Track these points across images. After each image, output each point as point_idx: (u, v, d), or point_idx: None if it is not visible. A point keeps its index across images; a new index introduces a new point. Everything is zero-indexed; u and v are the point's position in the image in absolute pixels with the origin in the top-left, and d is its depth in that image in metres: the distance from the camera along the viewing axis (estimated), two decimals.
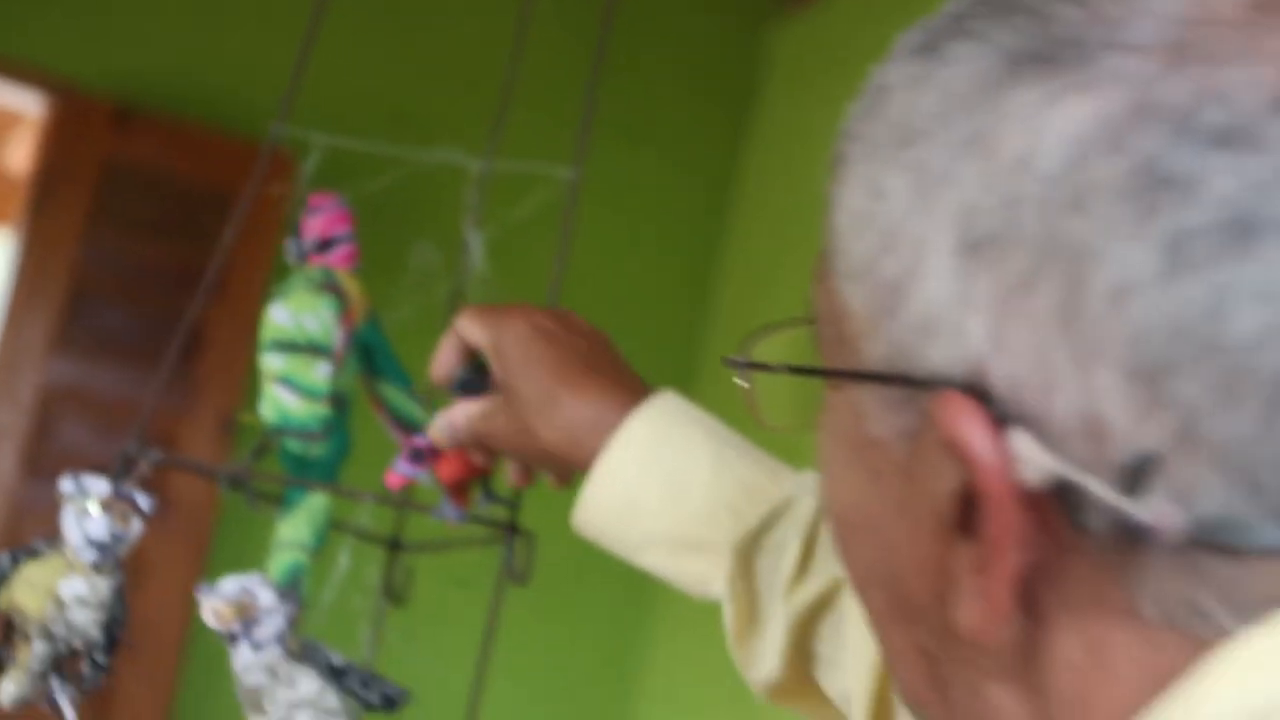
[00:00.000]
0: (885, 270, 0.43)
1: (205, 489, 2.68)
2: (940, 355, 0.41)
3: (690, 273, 3.36)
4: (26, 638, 0.88)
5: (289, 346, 0.89)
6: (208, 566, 2.82)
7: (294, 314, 0.90)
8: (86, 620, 0.87)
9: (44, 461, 2.73)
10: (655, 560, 0.81)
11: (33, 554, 0.88)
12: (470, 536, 0.95)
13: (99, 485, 0.87)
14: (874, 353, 0.44)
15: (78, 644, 0.88)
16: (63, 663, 0.90)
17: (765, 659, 0.79)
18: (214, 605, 0.85)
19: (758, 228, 3.25)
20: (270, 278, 2.63)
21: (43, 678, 0.89)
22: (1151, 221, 0.38)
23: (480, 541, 0.96)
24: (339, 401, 0.92)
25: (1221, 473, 0.38)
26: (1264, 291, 0.37)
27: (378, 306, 1.00)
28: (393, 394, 1.00)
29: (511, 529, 0.90)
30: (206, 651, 2.84)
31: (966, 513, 0.41)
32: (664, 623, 3.27)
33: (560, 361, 0.82)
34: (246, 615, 0.85)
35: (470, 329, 0.85)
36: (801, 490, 0.80)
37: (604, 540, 0.82)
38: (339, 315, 0.92)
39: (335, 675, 0.87)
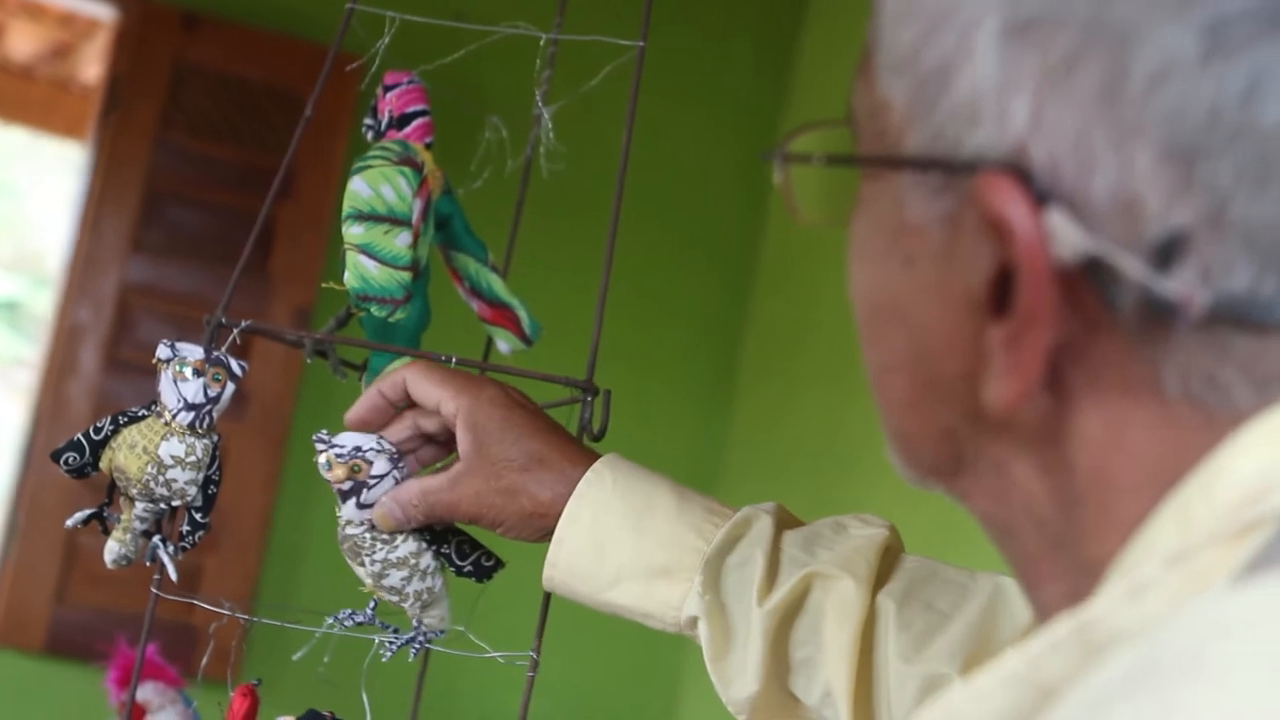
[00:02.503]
0: (930, 57, 0.45)
1: (283, 382, 2.74)
2: (983, 138, 0.43)
3: (751, 150, 3.37)
4: (129, 498, 0.92)
5: (368, 216, 0.92)
6: (287, 457, 2.89)
7: (372, 185, 0.92)
8: (185, 479, 0.90)
9: (124, 357, 2.80)
10: (628, 592, 0.83)
11: (132, 418, 0.91)
12: (550, 398, 0.98)
13: (193, 350, 0.90)
14: (915, 141, 0.45)
15: (177, 503, 0.92)
16: (163, 522, 0.94)
17: (744, 673, 0.80)
18: (329, 457, 0.87)
19: (817, 109, 3.24)
20: (339, 177, 2.66)
21: (145, 536, 0.93)
22: (1193, 6, 0.39)
23: (560, 403, 0.99)
24: (419, 270, 0.94)
25: (1249, 252, 0.40)
26: None
27: (452, 180, 1.02)
28: (469, 264, 1.03)
29: (588, 388, 0.93)
30: (288, 538, 2.92)
31: (1001, 293, 0.43)
32: None
33: (540, 427, 0.85)
34: (357, 476, 0.88)
35: (432, 393, 0.86)
36: (757, 511, 0.83)
37: (575, 583, 0.84)
38: (416, 186, 0.94)
39: (435, 538, 0.90)
